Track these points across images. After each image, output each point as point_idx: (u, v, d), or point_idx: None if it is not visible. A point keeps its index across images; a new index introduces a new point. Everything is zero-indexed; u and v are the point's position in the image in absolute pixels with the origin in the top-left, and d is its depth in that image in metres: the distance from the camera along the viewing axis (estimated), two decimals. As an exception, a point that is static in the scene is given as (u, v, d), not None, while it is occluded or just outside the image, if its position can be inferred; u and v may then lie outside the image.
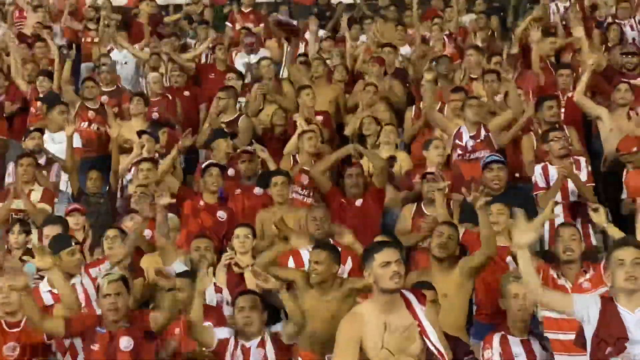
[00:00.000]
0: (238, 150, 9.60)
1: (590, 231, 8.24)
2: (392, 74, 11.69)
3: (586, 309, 5.28)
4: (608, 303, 5.28)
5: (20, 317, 6.39)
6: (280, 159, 9.78)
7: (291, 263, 7.64)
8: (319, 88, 11.20)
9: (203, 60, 13.36)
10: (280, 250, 7.42)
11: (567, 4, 13.53)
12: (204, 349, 6.36)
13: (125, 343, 6.16)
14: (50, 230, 7.71)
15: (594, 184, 8.50)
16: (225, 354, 6.30)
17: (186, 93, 11.73)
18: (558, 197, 8.22)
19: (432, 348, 5.21)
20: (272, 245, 7.71)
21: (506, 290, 6.09)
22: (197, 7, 15.46)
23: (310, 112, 10.52)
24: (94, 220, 8.78)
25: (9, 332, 6.38)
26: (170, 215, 8.10)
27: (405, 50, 12.99)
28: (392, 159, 9.38)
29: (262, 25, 14.28)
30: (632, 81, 9.99)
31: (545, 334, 6.22)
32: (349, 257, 7.49)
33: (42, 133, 10.01)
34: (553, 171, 8.36)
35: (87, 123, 10.83)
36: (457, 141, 9.22)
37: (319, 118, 10.59)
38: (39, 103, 11.30)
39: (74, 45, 13.74)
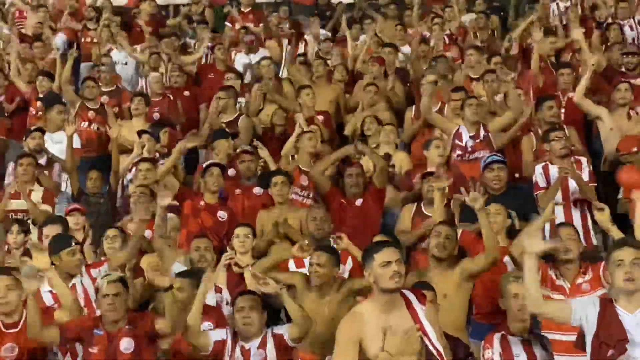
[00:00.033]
0: (238, 150, 9.60)
1: (591, 231, 8.25)
2: (393, 74, 11.70)
3: (584, 311, 5.28)
4: (607, 304, 5.28)
5: (18, 318, 6.35)
6: (280, 159, 9.79)
7: (292, 264, 7.65)
8: (320, 88, 11.21)
9: (203, 60, 13.37)
10: (280, 258, 7.42)
11: (568, 3, 13.53)
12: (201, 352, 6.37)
13: (126, 345, 6.16)
14: (50, 230, 7.70)
15: (595, 184, 8.51)
16: (224, 355, 6.30)
17: (186, 93, 11.73)
18: (559, 196, 8.23)
19: (431, 348, 5.22)
20: (271, 245, 7.70)
21: (506, 290, 6.08)
22: (198, 7, 15.45)
23: (310, 112, 10.53)
24: (94, 220, 8.78)
25: (6, 333, 6.33)
26: (170, 215, 8.10)
27: (405, 50, 13.00)
28: (387, 157, 9.37)
29: (262, 25, 14.28)
30: (632, 81, 9.99)
31: (544, 334, 6.20)
32: (349, 257, 7.51)
33: (43, 133, 10.01)
34: (554, 171, 8.35)
35: (87, 123, 10.83)
36: (456, 141, 9.22)
37: (320, 118, 10.60)
38: (38, 103, 11.30)
39: (75, 45, 13.75)
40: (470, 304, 7.15)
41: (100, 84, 11.59)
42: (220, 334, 6.35)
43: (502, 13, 14.15)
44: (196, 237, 7.81)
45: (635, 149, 8.51)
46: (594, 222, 8.21)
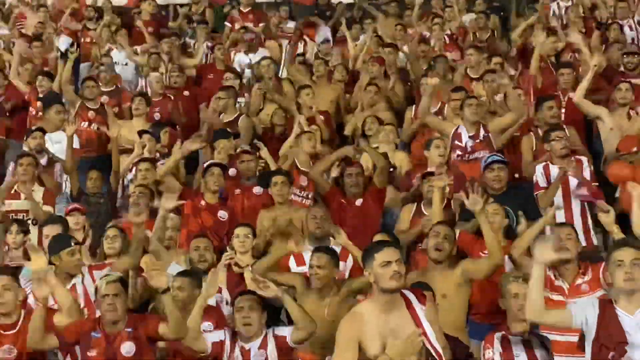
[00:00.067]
0: (238, 150, 9.60)
1: (591, 230, 8.25)
2: (394, 73, 11.70)
3: (583, 312, 5.28)
4: (607, 306, 5.28)
5: (15, 319, 6.31)
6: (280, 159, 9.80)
7: (292, 263, 7.66)
8: (320, 88, 11.21)
9: (203, 60, 13.38)
10: (279, 256, 7.42)
11: (569, 3, 13.52)
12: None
13: (128, 348, 6.14)
14: (50, 230, 7.70)
15: (597, 184, 8.50)
16: (222, 356, 6.30)
17: (186, 93, 11.73)
18: (559, 198, 8.24)
19: (430, 349, 5.22)
20: (269, 244, 7.70)
21: (506, 290, 6.07)
22: (198, 7, 15.45)
23: (310, 112, 10.53)
24: (94, 220, 8.78)
25: (4, 334, 6.28)
26: (171, 215, 8.09)
27: (406, 49, 12.97)
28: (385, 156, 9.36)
29: (261, 25, 14.28)
30: (632, 80, 9.98)
31: (544, 334, 6.19)
32: (350, 254, 7.51)
33: (44, 133, 10.00)
34: (554, 171, 8.35)
35: (87, 123, 10.82)
36: (456, 142, 9.21)
37: (320, 118, 10.60)
38: (38, 103, 11.29)
39: (75, 45, 13.75)
40: (468, 304, 7.16)
41: (100, 84, 11.58)
42: (218, 335, 6.35)
43: (502, 13, 14.13)
44: (196, 237, 7.82)
45: (635, 149, 8.49)
46: (595, 221, 8.23)
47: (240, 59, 13.00)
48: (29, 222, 8.59)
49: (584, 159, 8.59)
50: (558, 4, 13.78)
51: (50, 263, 7.11)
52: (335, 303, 6.87)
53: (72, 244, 7.02)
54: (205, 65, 13.10)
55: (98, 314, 6.35)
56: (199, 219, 8.52)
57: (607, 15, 12.92)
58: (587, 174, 8.41)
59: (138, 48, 13.40)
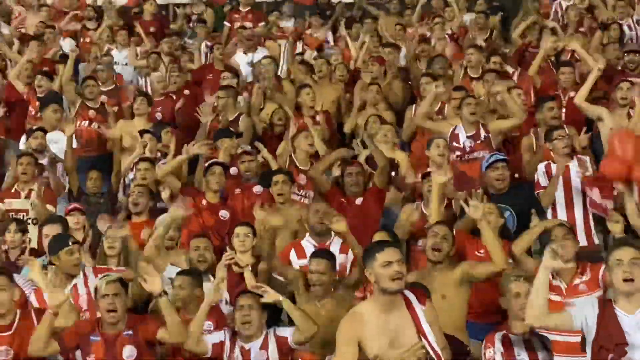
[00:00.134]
0: (238, 151, 9.58)
1: (592, 230, 8.24)
2: (394, 73, 11.70)
3: (583, 313, 5.29)
4: (606, 306, 5.28)
5: (11, 320, 6.28)
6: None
7: (293, 255, 7.68)
8: (322, 88, 11.21)
9: (203, 60, 13.37)
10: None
11: (571, 2, 13.52)
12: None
13: (129, 352, 6.15)
14: (50, 230, 7.70)
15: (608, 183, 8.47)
16: (222, 356, 6.30)
17: (186, 92, 11.72)
18: (561, 194, 8.22)
19: (428, 349, 5.21)
20: (268, 244, 7.69)
21: (507, 290, 6.06)
22: (198, 7, 15.44)
23: (309, 112, 10.53)
24: (94, 220, 8.76)
25: (0, 335, 6.26)
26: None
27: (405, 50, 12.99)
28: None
29: (260, 24, 14.28)
30: (633, 80, 9.97)
31: (544, 334, 6.19)
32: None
33: (45, 133, 9.99)
34: (555, 169, 8.33)
35: (87, 122, 10.81)
36: (453, 143, 9.22)
37: (320, 117, 10.60)
38: (37, 103, 11.29)
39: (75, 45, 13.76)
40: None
41: (99, 83, 11.57)
42: (218, 336, 6.37)
43: (502, 13, 14.12)
44: (195, 237, 7.81)
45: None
46: (596, 221, 8.22)
47: (240, 58, 12.99)
48: (29, 221, 8.58)
49: (587, 158, 8.58)
50: (560, 3, 13.77)
51: (49, 263, 7.14)
52: (333, 302, 6.88)
53: (70, 243, 7.01)
54: (205, 65, 13.09)
55: (99, 315, 6.35)
56: (200, 218, 8.51)
57: (609, 17, 12.89)
58: (589, 173, 8.39)
59: (138, 49, 13.38)
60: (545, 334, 6.08)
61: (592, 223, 8.22)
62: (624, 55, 10.91)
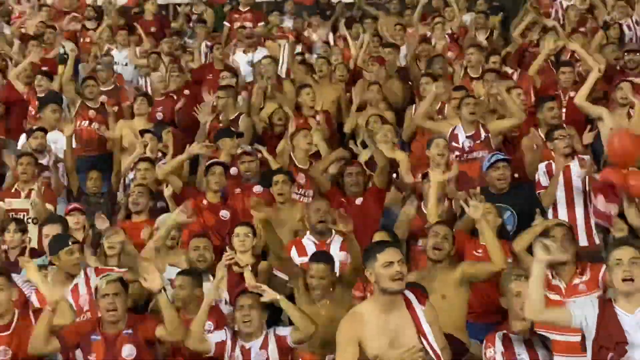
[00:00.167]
0: (239, 151, 9.58)
1: (593, 230, 8.23)
2: (394, 73, 11.70)
3: (583, 312, 5.28)
4: (606, 305, 5.28)
5: (9, 320, 6.28)
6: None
7: (294, 253, 7.67)
8: (322, 87, 11.21)
9: (203, 60, 13.37)
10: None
11: (571, 2, 13.52)
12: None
13: (128, 351, 6.16)
14: (50, 230, 7.70)
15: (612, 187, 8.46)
16: (224, 356, 6.31)
17: (186, 92, 11.72)
18: (562, 193, 8.22)
19: (428, 349, 5.22)
20: (269, 244, 7.69)
21: (508, 289, 6.06)
22: (198, 7, 15.44)
23: (309, 111, 10.53)
24: (94, 220, 8.76)
25: None
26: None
27: (405, 49, 12.99)
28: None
29: (260, 24, 14.28)
30: (633, 79, 9.97)
31: (544, 334, 6.19)
32: None
33: (46, 133, 9.99)
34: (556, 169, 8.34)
35: (87, 122, 10.80)
36: (453, 143, 9.21)
37: (320, 117, 10.60)
38: (37, 103, 11.29)
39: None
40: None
41: (99, 83, 11.56)
42: (220, 336, 6.37)
43: (502, 13, 14.13)
44: (195, 237, 7.81)
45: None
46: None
47: (240, 57, 12.99)
48: (29, 221, 8.57)
49: (587, 158, 8.58)
50: (561, 2, 13.77)
51: (50, 263, 7.13)
52: (332, 302, 6.88)
53: (71, 243, 7.01)
54: (205, 65, 13.09)
55: (99, 314, 6.35)
56: (201, 218, 8.50)
57: (606, 17, 12.89)
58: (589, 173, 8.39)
59: (137, 49, 13.38)
60: (545, 334, 6.08)
61: (593, 223, 8.21)
62: (624, 55, 10.91)
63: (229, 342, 6.32)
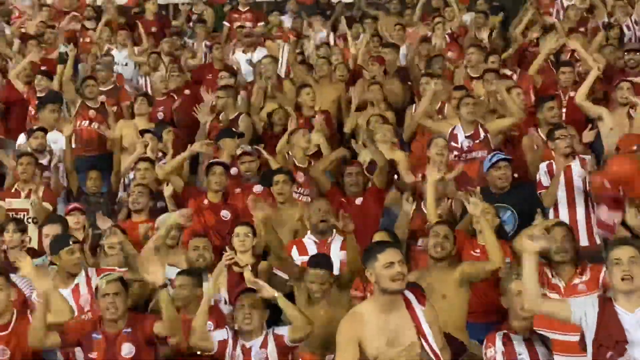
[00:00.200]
0: (239, 151, 9.58)
1: (594, 230, 8.23)
2: (394, 73, 11.70)
3: (583, 310, 5.29)
4: (606, 304, 5.28)
5: (8, 319, 6.29)
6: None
7: (295, 252, 7.68)
8: (322, 87, 11.21)
9: (202, 60, 13.37)
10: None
11: (572, 2, 13.51)
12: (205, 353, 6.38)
13: (127, 350, 6.18)
14: (50, 230, 7.70)
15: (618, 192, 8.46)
16: (225, 355, 6.31)
17: (186, 92, 11.72)
18: (563, 193, 8.23)
19: (427, 349, 5.22)
20: (269, 244, 7.70)
21: (509, 289, 6.05)
22: (198, 7, 15.44)
23: (309, 111, 10.53)
24: (94, 220, 8.76)
25: None
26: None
27: (404, 49, 12.99)
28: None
29: (260, 24, 14.28)
30: (633, 79, 9.97)
31: (545, 333, 6.19)
32: None
33: (46, 132, 9.99)
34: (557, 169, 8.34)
35: (87, 122, 10.80)
36: (452, 143, 9.22)
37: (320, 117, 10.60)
38: (37, 102, 11.29)
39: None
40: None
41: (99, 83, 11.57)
42: (222, 334, 6.38)
43: (502, 12, 14.13)
44: (194, 237, 7.81)
45: (635, 147, 8.47)
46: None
47: (239, 56, 12.99)
48: (29, 221, 8.57)
49: (588, 157, 8.59)
50: (561, 2, 13.77)
51: (51, 263, 7.14)
52: (331, 302, 6.89)
53: (71, 242, 7.01)
54: (204, 65, 13.10)
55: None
56: (202, 218, 8.51)
57: (609, 18, 12.88)
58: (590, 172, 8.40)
59: (136, 49, 13.39)
60: (545, 333, 6.09)
61: (594, 222, 8.21)
62: (624, 55, 10.91)
63: (230, 341, 6.33)
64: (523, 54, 12.15)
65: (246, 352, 6.30)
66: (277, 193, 8.55)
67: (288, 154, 9.68)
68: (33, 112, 11.33)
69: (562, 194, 8.26)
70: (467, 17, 13.91)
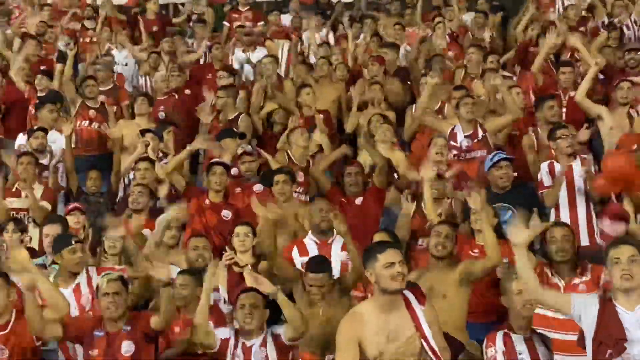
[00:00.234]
0: (239, 151, 9.59)
1: (595, 229, 8.23)
2: (393, 73, 11.70)
3: (583, 306, 5.29)
4: (607, 303, 5.28)
5: (7, 319, 6.31)
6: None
7: (295, 253, 7.69)
8: (322, 87, 11.21)
9: (202, 59, 13.38)
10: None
11: (572, 1, 13.51)
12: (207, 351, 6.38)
13: (127, 347, 6.21)
14: (50, 230, 7.70)
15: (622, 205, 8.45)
16: (227, 353, 6.32)
17: (187, 92, 11.72)
18: (564, 193, 8.23)
19: (427, 349, 5.23)
20: (269, 241, 7.70)
21: (508, 289, 6.06)
22: (198, 7, 15.44)
23: (309, 111, 10.53)
24: (93, 220, 8.77)
25: None
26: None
27: (405, 49, 12.99)
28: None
29: (260, 24, 14.28)
30: (634, 79, 9.97)
31: (545, 333, 6.19)
32: None
33: (46, 132, 9.99)
34: (559, 169, 8.33)
35: (88, 122, 10.80)
36: (451, 142, 9.23)
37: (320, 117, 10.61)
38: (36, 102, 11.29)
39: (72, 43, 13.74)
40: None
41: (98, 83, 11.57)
42: (224, 333, 6.40)
43: (502, 12, 14.13)
44: (194, 237, 7.82)
45: (635, 147, 8.48)
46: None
47: (239, 56, 13.00)
48: (29, 221, 8.58)
49: (589, 157, 8.59)
50: (562, 1, 13.77)
51: (53, 262, 7.15)
52: (331, 303, 6.88)
53: (73, 242, 7.02)
54: (204, 65, 13.10)
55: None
56: (203, 217, 8.52)
57: (613, 19, 12.88)
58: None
59: (136, 48, 13.39)
60: (545, 333, 6.09)
61: (595, 223, 8.21)
62: (624, 55, 10.92)
63: (232, 340, 6.34)
64: (524, 53, 12.14)
65: (246, 351, 6.30)
66: (278, 193, 8.55)
67: (287, 153, 9.68)
68: (33, 112, 11.33)
69: (563, 194, 8.25)
70: (467, 17, 13.91)
